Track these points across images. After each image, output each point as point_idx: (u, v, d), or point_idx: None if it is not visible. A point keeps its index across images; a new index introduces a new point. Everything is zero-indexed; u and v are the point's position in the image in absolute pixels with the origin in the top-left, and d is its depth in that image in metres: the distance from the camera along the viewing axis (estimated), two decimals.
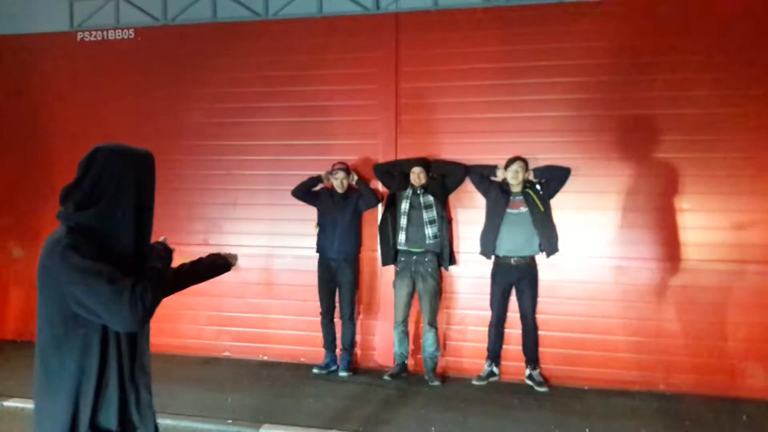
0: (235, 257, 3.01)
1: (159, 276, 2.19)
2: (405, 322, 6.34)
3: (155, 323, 6.56)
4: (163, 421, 5.01)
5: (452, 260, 6.35)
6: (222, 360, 6.97)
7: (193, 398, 5.70)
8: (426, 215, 6.16)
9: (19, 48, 7.59)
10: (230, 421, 5.15)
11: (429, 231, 6.15)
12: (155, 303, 2.07)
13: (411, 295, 6.30)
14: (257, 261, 6.99)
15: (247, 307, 7.03)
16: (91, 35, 7.33)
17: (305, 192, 6.57)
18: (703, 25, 5.97)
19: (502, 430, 5.02)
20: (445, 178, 6.30)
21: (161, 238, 2.48)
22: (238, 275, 6.87)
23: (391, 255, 6.33)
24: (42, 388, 2.15)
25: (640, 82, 6.08)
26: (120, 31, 7.26)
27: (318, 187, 6.60)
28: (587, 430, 5.03)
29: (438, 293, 6.26)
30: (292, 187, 6.54)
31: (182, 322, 7.16)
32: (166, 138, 7.12)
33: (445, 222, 6.24)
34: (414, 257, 6.22)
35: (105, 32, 7.29)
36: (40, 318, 2.13)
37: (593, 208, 6.21)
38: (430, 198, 6.18)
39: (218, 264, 2.91)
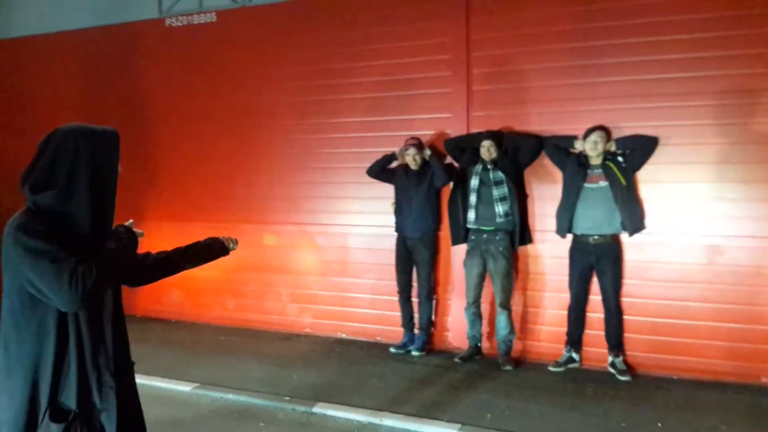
0: (234, 241, 2.96)
1: (110, 257, 2.14)
2: (476, 303, 6.08)
3: (241, 299, 6.89)
4: (223, 395, 5.24)
5: (527, 239, 6.01)
6: (302, 336, 7.07)
7: (261, 374, 5.83)
8: (496, 192, 5.84)
9: (113, 37, 8.03)
10: (287, 398, 5.19)
11: (499, 209, 5.83)
12: (98, 284, 2.02)
13: (482, 276, 6.02)
14: (336, 239, 7.00)
15: (328, 285, 7.07)
16: (177, 20, 7.58)
17: (380, 170, 6.45)
18: None
19: (561, 420, 4.69)
20: (517, 152, 5.93)
21: (128, 222, 2.39)
22: (318, 253, 6.96)
23: (461, 234, 6.08)
24: (3, 368, 2.18)
25: (741, 37, 5.36)
26: (203, 14, 7.45)
27: (393, 165, 6.45)
28: (659, 424, 4.59)
29: (510, 273, 5.94)
30: (367, 165, 6.45)
31: (266, 299, 7.34)
32: (247, 117, 7.29)
33: (518, 199, 5.88)
34: (484, 236, 5.93)
35: (190, 17, 7.51)
36: (3, 301, 2.15)
37: (684, 180, 5.59)
38: (501, 174, 5.84)
39: (214, 248, 2.88)
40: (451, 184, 6.18)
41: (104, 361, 2.24)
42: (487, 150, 5.87)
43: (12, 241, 2.05)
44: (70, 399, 2.14)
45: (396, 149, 6.36)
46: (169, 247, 2.74)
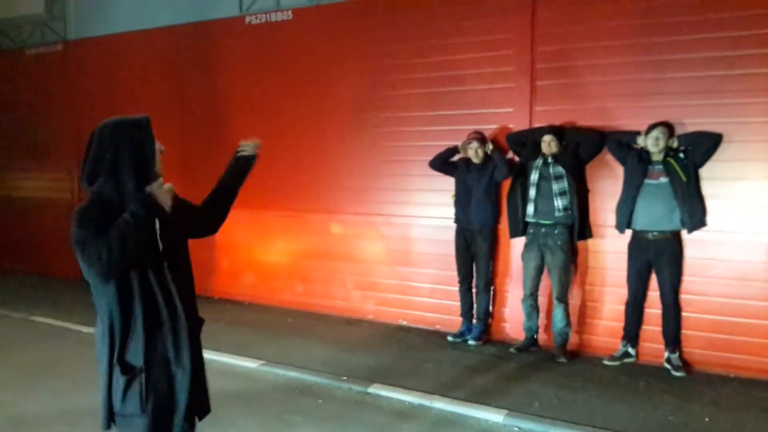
0: (254, 144, 3.14)
1: (124, 229, 2.35)
2: (534, 295, 6.19)
3: (308, 284, 7.20)
4: (285, 373, 5.58)
5: (587, 234, 6.06)
6: (364, 322, 7.35)
7: (323, 355, 6.15)
8: (556, 186, 5.92)
9: (196, 34, 8.54)
10: (345, 378, 5.48)
11: (559, 203, 5.91)
12: (115, 257, 2.28)
13: (539, 269, 6.13)
14: (399, 230, 7.24)
15: (390, 274, 7.32)
16: (256, 18, 7.98)
17: (442, 162, 6.63)
18: None
19: (609, 411, 4.78)
20: (578, 147, 5.99)
21: (167, 186, 2.60)
22: (382, 243, 7.22)
23: (519, 227, 6.19)
24: (97, 327, 2.59)
25: None
26: (280, 12, 7.82)
27: (456, 158, 6.62)
28: (707, 419, 4.62)
29: (568, 267, 6.01)
30: (430, 158, 6.65)
31: (332, 285, 7.67)
32: (317, 112, 7.62)
33: (577, 193, 5.94)
34: (543, 229, 6.03)
35: (268, 14, 7.90)
36: None
37: (747, 178, 5.53)
38: (561, 169, 5.92)
39: (244, 159, 3.11)
40: (511, 178, 6.30)
41: (175, 322, 2.55)
42: (548, 144, 5.95)
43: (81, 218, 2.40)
44: (137, 357, 2.47)
45: (459, 143, 6.52)
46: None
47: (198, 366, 2.67)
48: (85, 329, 7.08)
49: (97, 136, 2.51)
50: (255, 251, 8.08)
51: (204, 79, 8.50)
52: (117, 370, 2.47)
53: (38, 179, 10.49)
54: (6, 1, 10.19)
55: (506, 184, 6.40)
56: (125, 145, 2.48)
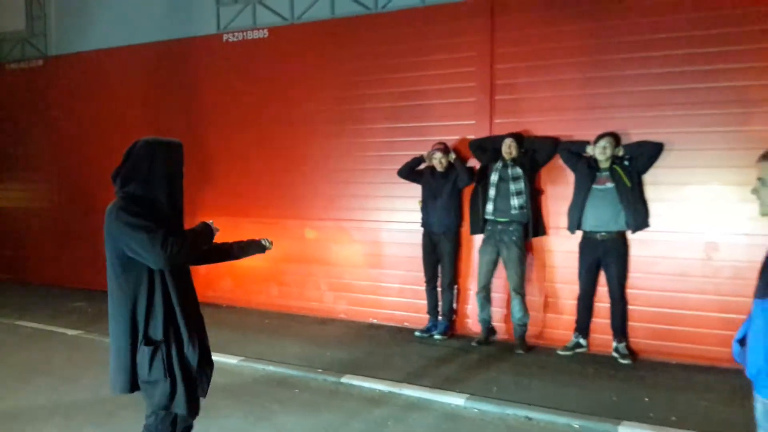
0: (270, 242, 3.80)
1: (192, 236, 3.07)
2: (486, 288, 6.70)
3: (284, 287, 7.67)
4: (264, 367, 6.01)
5: (540, 231, 6.59)
6: (337, 321, 7.80)
7: (299, 351, 6.58)
8: (513, 186, 6.44)
9: (175, 51, 8.96)
10: (320, 370, 5.92)
11: (515, 201, 6.43)
12: (182, 251, 2.90)
13: (494, 263, 6.65)
14: (369, 234, 7.72)
15: (362, 275, 7.79)
16: (233, 36, 8.43)
17: (409, 171, 7.11)
18: None
19: (561, 394, 5.27)
20: (535, 153, 6.54)
21: (210, 221, 3.33)
22: (353, 246, 7.67)
23: (479, 225, 6.71)
24: (112, 316, 3.07)
25: (740, 52, 5.84)
26: (257, 31, 8.28)
27: (422, 167, 7.11)
28: (646, 399, 5.14)
29: (522, 261, 6.53)
30: (398, 167, 7.13)
31: (306, 287, 8.12)
32: (292, 124, 8.09)
33: (531, 194, 6.47)
34: (499, 226, 6.55)
35: (244, 32, 8.35)
36: (107, 264, 3.04)
37: (686, 183, 6.10)
38: (519, 170, 6.45)
39: (254, 245, 3.74)
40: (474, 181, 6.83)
41: (189, 308, 3.13)
42: (508, 147, 6.47)
43: (114, 218, 2.93)
44: (157, 332, 3.02)
45: (424, 153, 7.01)
46: (221, 239, 3.56)
47: (204, 347, 3.24)
48: (69, 332, 7.44)
49: (136, 151, 3.05)
50: None
51: (182, 93, 8.92)
52: (142, 343, 2.99)
53: (18, 190, 10.77)
54: None
55: (468, 190, 6.91)
56: (160, 161, 3.07)
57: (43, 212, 10.46)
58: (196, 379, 3.14)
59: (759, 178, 2.72)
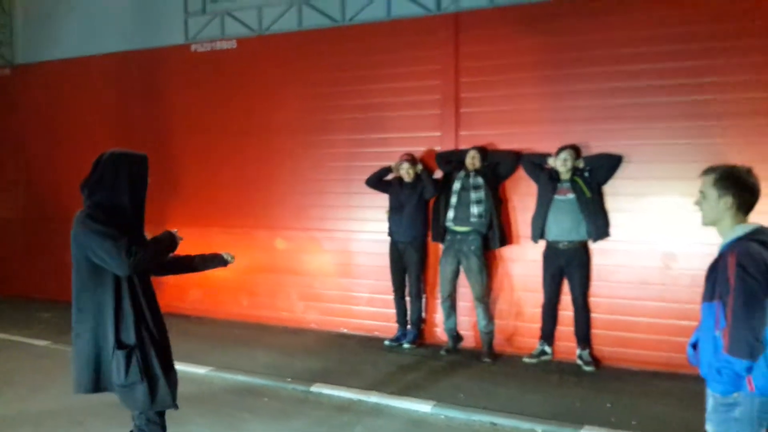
0: (231, 256, 3.94)
1: (154, 244, 3.23)
2: (451, 297, 6.85)
3: (254, 297, 7.72)
4: (233, 377, 6.05)
5: (503, 241, 6.74)
6: (308, 331, 7.88)
7: (267, 360, 6.66)
8: (473, 195, 6.60)
9: (141, 60, 8.99)
10: (289, 379, 5.99)
11: (474, 210, 6.59)
12: (144, 259, 3.04)
13: (455, 273, 6.80)
14: (339, 244, 7.81)
15: (332, 285, 7.88)
16: (202, 46, 8.49)
17: (377, 181, 7.23)
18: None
19: (526, 400, 5.42)
20: (498, 166, 6.70)
21: (174, 230, 3.42)
22: (324, 256, 7.77)
23: (440, 233, 6.86)
24: (77, 320, 3.20)
25: (691, 68, 6.07)
26: (225, 41, 8.34)
27: (390, 177, 7.23)
28: (609, 405, 5.30)
29: (482, 270, 6.66)
30: (364, 178, 7.25)
31: (277, 298, 8.19)
32: (261, 134, 8.17)
33: (494, 204, 6.63)
34: (458, 236, 6.70)
35: (213, 43, 8.41)
36: (73, 271, 3.18)
37: (644, 194, 6.29)
38: (480, 180, 6.61)
39: (217, 259, 3.89)
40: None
41: (154, 311, 3.28)
42: (472, 158, 6.63)
43: (81, 225, 3.09)
44: (128, 337, 3.14)
45: (392, 163, 7.13)
46: (190, 250, 3.65)
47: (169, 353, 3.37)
48: (37, 342, 7.41)
49: (103, 163, 3.20)
50: None
51: (150, 103, 8.94)
52: (115, 348, 3.11)
53: None
54: None
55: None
56: (125, 173, 3.22)
57: (8, 223, 10.35)
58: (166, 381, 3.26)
59: (701, 191, 2.93)
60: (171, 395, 3.27)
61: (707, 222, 2.96)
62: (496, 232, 6.64)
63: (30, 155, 10.04)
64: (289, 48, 7.99)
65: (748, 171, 2.87)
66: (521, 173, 6.72)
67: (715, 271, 2.82)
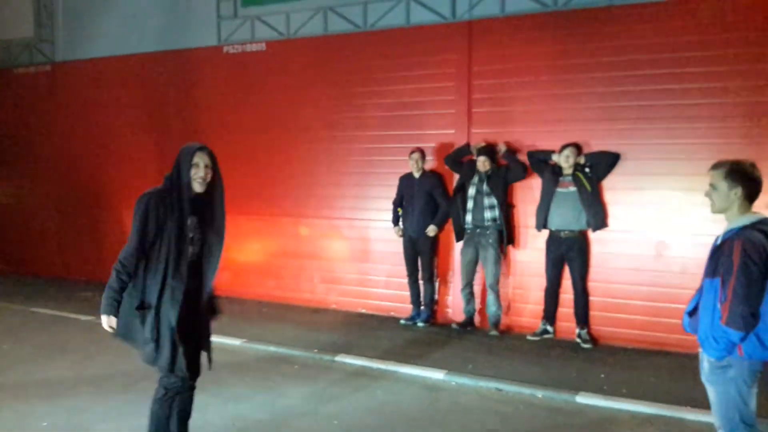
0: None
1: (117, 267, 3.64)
2: (470, 284, 7.51)
3: (279, 280, 8.33)
4: (265, 348, 6.74)
5: (511, 240, 7.41)
6: (329, 311, 8.56)
7: (296, 334, 7.35)
8: (487, 201, 7.27)
9: (178, 60, 9.68)
10: (316, 350, 6.67)
11: (488, 214, 7.27)
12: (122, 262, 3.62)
13: (474, 263, 7.45)
14: (357, 231, 8.49)
15: (351, 269, 8.56)
16: (233, 48, 9.17)
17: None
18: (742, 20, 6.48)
19: (528, 371, 6.07)
20: (507, 172, 7.33)
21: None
22: (344, 242, 8.42)
23: (460, 233, 7.51)
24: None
25: (684, 74, 6.67)
26: (255, 44, 9.02)
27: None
28: (602, 375, 5.95)
29: (497, 261, 7.31)
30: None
31: (301, 280, 8.89)
32: (287, 130, 8.85)
33: (504, 207, 7.29)
34: (477, 230, 7.35)
35: (243, 45, 9.09)
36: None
37: (640, 188, 6.89)
38: (490, 187, 7.26)
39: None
40: (453, 192, 7.61)
41: (179, 284, 3.66)
42: (482, 164, 7.27)
43: (138, 200, 3.63)
44: (152, 299, 3.63)
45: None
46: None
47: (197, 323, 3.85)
48: (82, 317, 8.11)
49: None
50: (232, 251, 9.13)
51: (183, 100, 9.64)
52: (137, 309, 3.63)
53: (26, 187, 11.39)
54: None
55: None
56: (179, 161, 3.75)
57: (48, 209, 11.08)
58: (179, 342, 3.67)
59: (711, 184, 3.40)
60: (171, 362, 3.64)
61: (717, 210, 3.40)
62: (505, 234, 7.29)
63: (69, 147, 10.76)
64: (315, 51, 8.66)
65: (753, 165, 3.33)
66: (529, 179, 7.35)
67: (719, 252, 3.32)
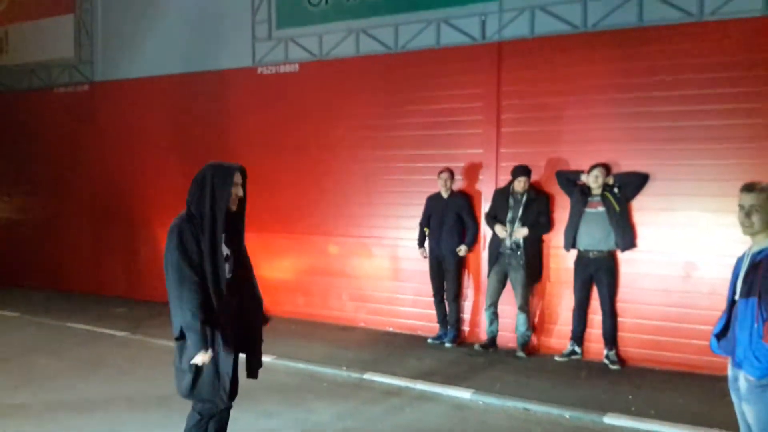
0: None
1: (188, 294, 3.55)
2: (494, 305, 7.54)
3: (308, 297, 8.48)
4: (295, 364, 6.83)
5: (537, 277, 7.52)
6: (357, 329, 8.65)
7: (324, 352, 7.43)
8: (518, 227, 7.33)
9: (214, 80, 9.91)
10: (344, 367, 6.75)
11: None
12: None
13: (502, 283, 7.48)
14: (386, 250, 8.59)
15: (380, 288, 8.65)
16: (267, 69, 9.38)
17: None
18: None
19: (556, 391, 6.08)
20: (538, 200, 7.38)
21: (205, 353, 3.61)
22: (373, 261, 8.52)
23: (495, 254, 7.50)
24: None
25: (712, 95, 6.69)
26: (289, 65, 9.22)
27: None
28: (630, 396, 5.94)
29: (527, 283, 7.33)
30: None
31: (330, 298, 8.99)
32: (318, 149, 9.01)
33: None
34: (508, 251, 7.38)
35: (277, 66, 9.30)
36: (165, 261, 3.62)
37: (670, 209, 6.89)
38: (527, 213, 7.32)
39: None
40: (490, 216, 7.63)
41: (237, 316, 3.84)
42: (522, 183, 7.30)
43: (170, 233, 3.57)
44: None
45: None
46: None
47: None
48: (117, 333, 8.30)
49: (199, 174, 3.72)
50: (262, 268, 9.26)
51: (218, 120, 9.87)
52: (175, 339, 3.68)
53: (60, 204, 11.71)
54: (38, 45, 11.57)
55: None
56: (209, 181, 3.65)
57: (81, 226, 11.38)
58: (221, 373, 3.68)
59: (752, 205, 3.39)
60: (211, 392, 3.66)
61: (757, 231, 3.39)
62: (535, 265, 7.41)
63: (105, 164, 11.05)
64: (347, 72, 8.82)
65: None
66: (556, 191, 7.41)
67: (754, 272, 3.35)
